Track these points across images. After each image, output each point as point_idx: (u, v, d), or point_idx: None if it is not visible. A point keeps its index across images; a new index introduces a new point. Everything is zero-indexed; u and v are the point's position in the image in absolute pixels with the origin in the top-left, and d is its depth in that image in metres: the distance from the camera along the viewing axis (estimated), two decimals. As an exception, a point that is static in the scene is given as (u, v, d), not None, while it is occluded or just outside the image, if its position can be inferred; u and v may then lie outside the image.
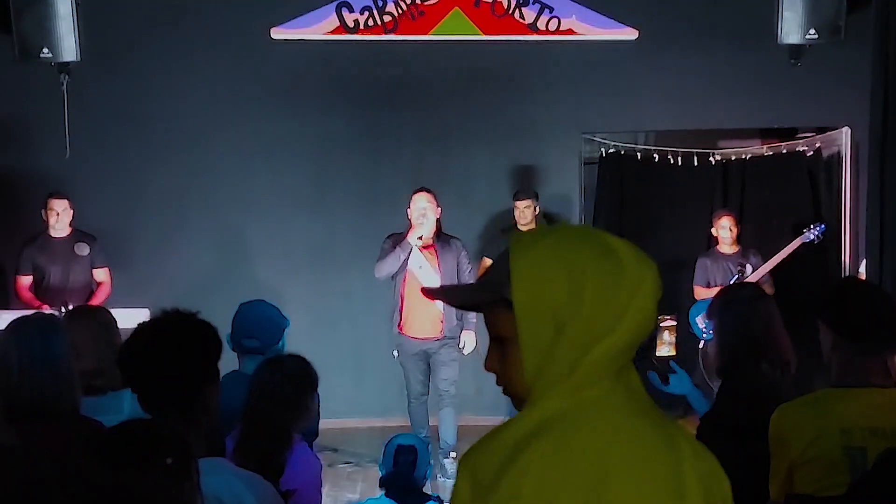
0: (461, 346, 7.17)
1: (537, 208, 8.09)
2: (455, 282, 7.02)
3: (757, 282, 7.84)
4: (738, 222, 8.21)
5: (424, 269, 7.04)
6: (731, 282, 7.74)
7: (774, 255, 7.98)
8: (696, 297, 8.08)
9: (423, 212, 7.04)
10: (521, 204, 8.04)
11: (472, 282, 7.03)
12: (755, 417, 3.43)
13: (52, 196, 7.49)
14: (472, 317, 7.14)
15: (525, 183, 8.55)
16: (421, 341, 7.10)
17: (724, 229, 8.10)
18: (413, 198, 7.16)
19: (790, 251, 8.00)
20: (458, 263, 7.14)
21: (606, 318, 1.63)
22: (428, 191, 7.19)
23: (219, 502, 2.42)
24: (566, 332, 1.62)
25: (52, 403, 3.16)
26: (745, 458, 3.44)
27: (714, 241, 8.27)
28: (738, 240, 8.18)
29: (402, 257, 7.03)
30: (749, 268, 7.93)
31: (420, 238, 7.02)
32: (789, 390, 3.43)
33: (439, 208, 7.17)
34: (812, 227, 8.10)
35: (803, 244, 8.05)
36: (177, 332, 2.64)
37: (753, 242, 8.30)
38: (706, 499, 1.67)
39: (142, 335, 2.67)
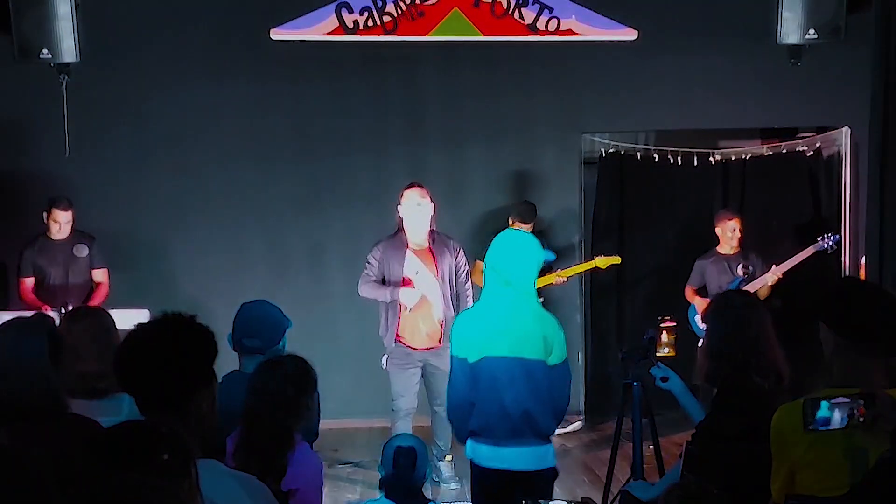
0: None
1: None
2: (451, 283, 6.76)
3: (762, 286, 7.82)
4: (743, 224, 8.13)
5: (421, 274, 6.67)
6: (738, 283, 7.70)
7: (786, 260, 7.89)
8: (686, 296, 8.08)
9: (419, 205, 6.66)
10: (527, 227, 8.07)
11: (467, 283, 6.96)
12: (750, 429, 3.43)
13: (56, 206, 7.38)
14: None
15: (519, 187, 8.56)
16: (420, 351, 6.76)
17: (732, 231, 7.97)
18: (405, 193, 6.71)
19: (803, 258, 7.88)
20: (454, 264, 6.76)
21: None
22: (420, 185, 6.77)
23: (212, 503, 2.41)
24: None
25: (33, 403, 3.17)
26: (745, 461, 3.44)
27: (715, 240, 8.17)
28: (741, 242, 8.13)
29: (389, 299, 6.69)
30: (752, 269, 7.87)
31: (409, 310, 6.66)
32: (784, 401, 3.42)
33: (432, 204, 6.76)
34: (827, 236, 7.97)
35: (816, 252, 7.95)
36: (171, 334, 2.64)
37: (754, 242, 8.26)
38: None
39: (136, 337, 2.67)
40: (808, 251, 7.92)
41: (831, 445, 2.93)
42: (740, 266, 7.88)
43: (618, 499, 4.87)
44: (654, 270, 9.04)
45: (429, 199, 6.72)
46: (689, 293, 8.08)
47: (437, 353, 6.65)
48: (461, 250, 6.89)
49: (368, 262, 6.79)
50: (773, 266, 7.84)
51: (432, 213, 6.74)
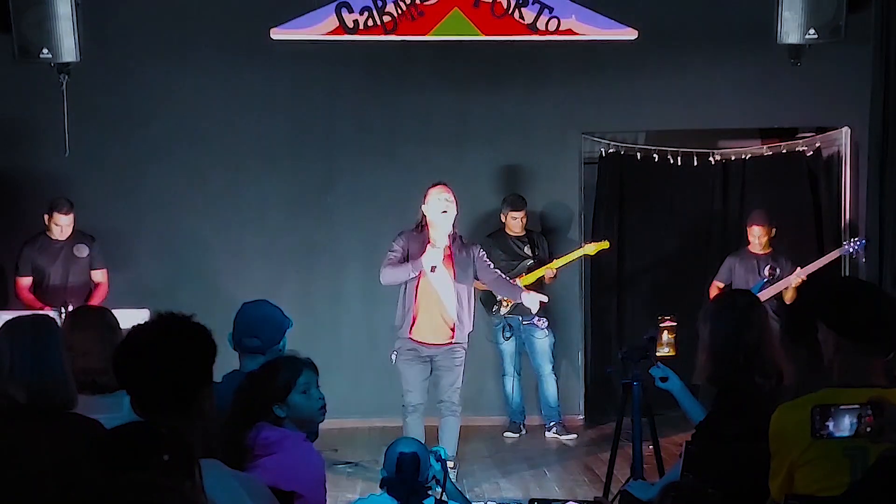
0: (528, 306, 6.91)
1: (527, 214, 8.16)
2: (469, 282, 6.71)
3: (786, 288, 7.78)
4: (771, 227, 7.95)
5: (439, 269, 6.58)
6: (763, 284, 7.69)
7: (811, 263, 7.79)
8: (710, 290, 8.04)
9: (445, 211, 6.54)
10: (517, 215, 8.09)
11: (495, 267, 6.81)
12: (750, 429, 3.43)
13: (58, 210, 7.41)
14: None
15: (519, 187, 8.56)
16: (429, 347, 6.70)
17: (755, 237, 7.92)
18: (430, 191, 6.65)
19: (828, 261, 7.84)
20: (475, 264, 6.71)
21: None
22: (445, 184, 6.70)
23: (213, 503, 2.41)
24: None
25: (42, 401, 3.17)
26: (745, 461, 3.44)
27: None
28: (770, 242, 8.07)
29: (413, 275, 6.58)
30: (778, 271, 7.84)
31: (433, 269, 6.52)
32: (784, 401, 3.42)
33: (456, 204, 6.66)
34: (853, 240, 7.91)
35: (841, 256, 7.91)
36: (170, 334, 2.63)
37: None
38: None
39: (135, 337, 2.67)
40: (834, 255, 7.89)
41: (831, 445, 2.93)
42: (767, 267, 7.86)
43: (618, 499, 4.87)
44: (654, 270, 9.04)
45: (454, 201, 6.66)
46: (712, 288, 8.03)
47: (446, 351, 6.68)
48: (480, 250, 6.84)
49: (392, 249, 6.72)
50: (798, 268, 7.81)
51: (456, 214, 6.68)
